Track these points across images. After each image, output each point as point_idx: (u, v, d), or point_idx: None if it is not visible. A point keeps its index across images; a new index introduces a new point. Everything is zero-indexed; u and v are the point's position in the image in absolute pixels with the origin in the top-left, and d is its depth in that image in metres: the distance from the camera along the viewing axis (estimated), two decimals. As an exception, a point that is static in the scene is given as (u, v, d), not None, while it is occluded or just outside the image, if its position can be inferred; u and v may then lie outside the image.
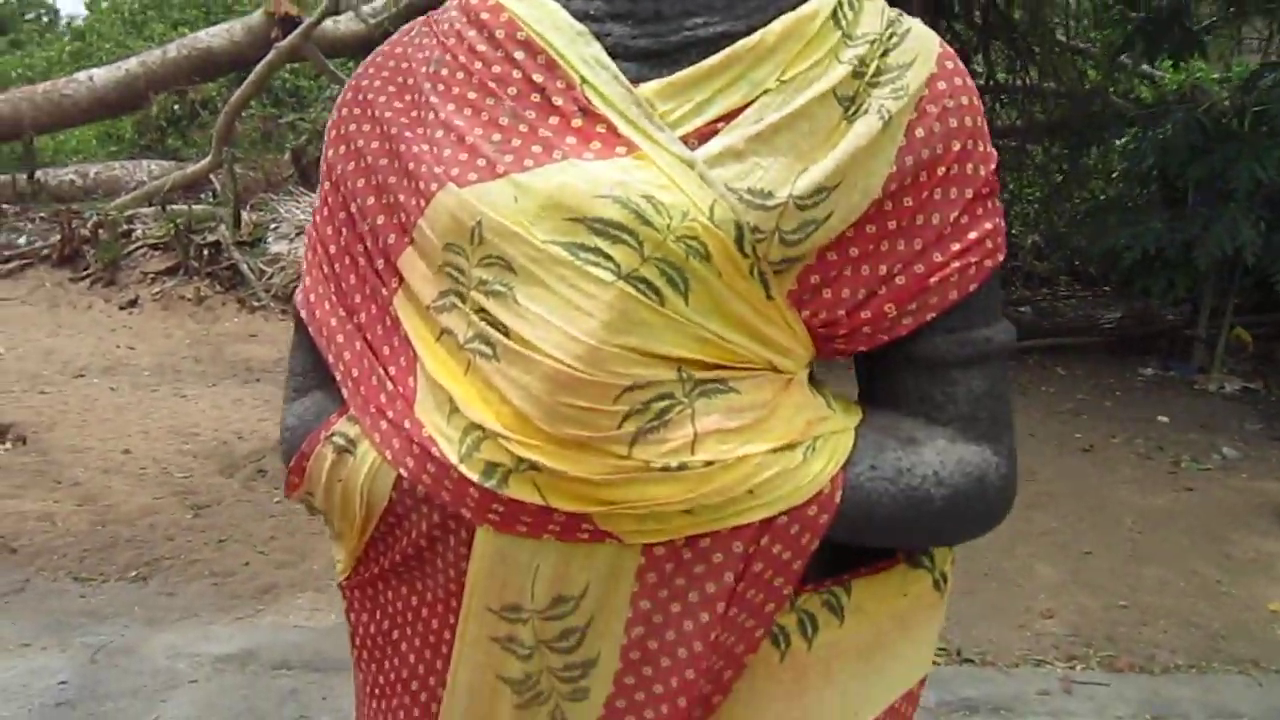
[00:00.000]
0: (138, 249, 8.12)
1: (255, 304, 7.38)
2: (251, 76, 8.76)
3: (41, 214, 8.82)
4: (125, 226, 8.25)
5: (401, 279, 0.87)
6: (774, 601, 0.85)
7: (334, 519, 0.94)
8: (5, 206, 9.06)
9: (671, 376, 0.79)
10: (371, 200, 0.88)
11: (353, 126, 0.92)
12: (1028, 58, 8.02)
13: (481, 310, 0.80)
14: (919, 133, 0.83)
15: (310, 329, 0.94)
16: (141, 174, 9.55)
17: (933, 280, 0.84)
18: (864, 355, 0.92)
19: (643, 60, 0.83)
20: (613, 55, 0.83)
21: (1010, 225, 7.26)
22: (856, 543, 0.88)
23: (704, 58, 0.82)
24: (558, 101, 0.82)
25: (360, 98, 0.93)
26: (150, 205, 8.47)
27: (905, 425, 0.89)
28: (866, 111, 0.81)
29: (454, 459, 0.80)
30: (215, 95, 10.19)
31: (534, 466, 0.78)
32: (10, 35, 19.70)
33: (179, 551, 3.72)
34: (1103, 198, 8.30)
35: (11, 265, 8.18)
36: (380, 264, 0.88)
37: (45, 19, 23.55)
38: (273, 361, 6.43)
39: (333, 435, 0.91)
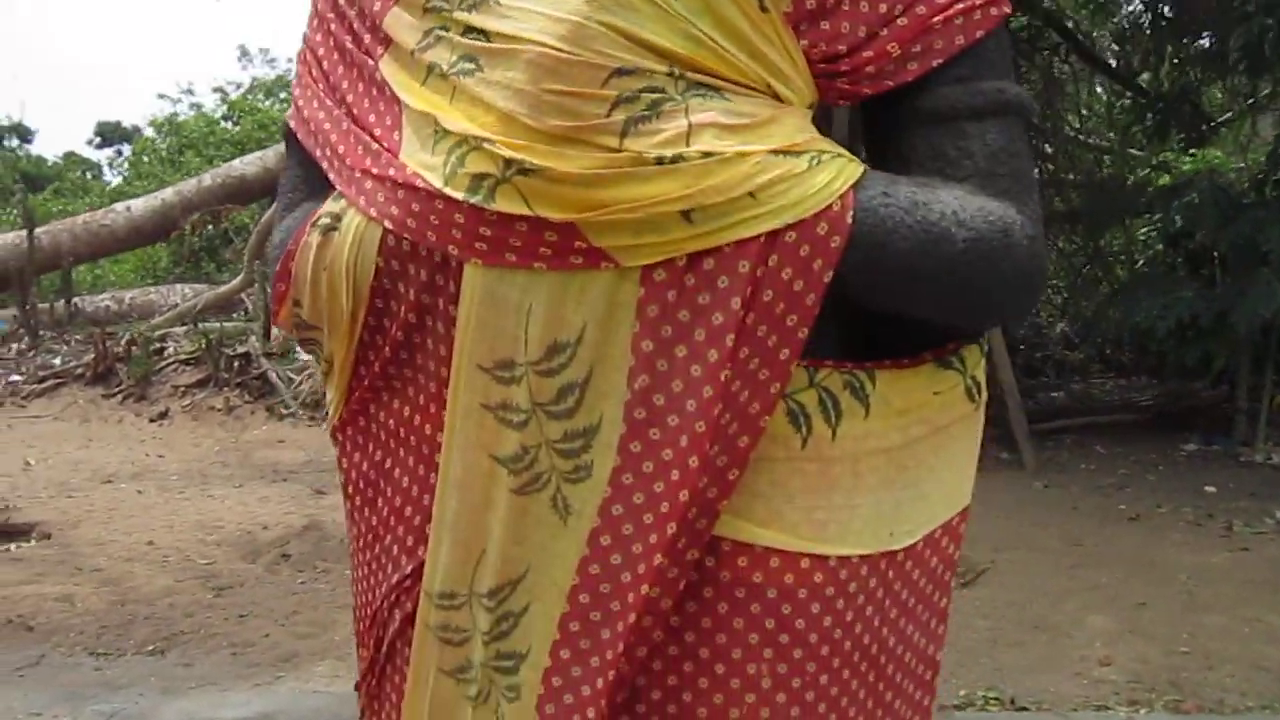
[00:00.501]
0: (169, 364, 8.23)
1: (284, 411, 7.42)
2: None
3: (77, 336, 9.01)
4: (158, 344, 8.39)
5: (388, 42, 0.84)
6: (788, 347, 0.77)
7: (322, 324, 0.89)
8: (43, 331, 9.26)
9: (662, 70, 0.75)
10: None
11: None
12: (1041, 149, 8.14)
13: (467, 29, 0.78)
14: None
15: (299, 134, 0.92)
16: (175, 297, 9.79)
17: (936, 21, 0.81)
18: (872, 117, 0.88)
19: None
20: None
21: (1038, 314, 7.26)
22: (874, 295, 0.81)
23: None
24: None
25: None
26: (183, 325, 8.64)
27: (918, 176, 0.84)
28: None
29: (439, 184, 0.76)
30: (248, 220, 10.49)
31: (521, 170, 0.73)
32: (54, 186, 20.54)
33: (198, 627, 3.62)
34: (1127, 277, 8.27)
35: (46, 384, 8.30)
36: (367, 38, 0.86)
37: (88, 174, 24.60)
38: (300, 464, 6.40)
39: (318, 219, 0.87)
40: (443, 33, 0.80)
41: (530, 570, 0.81)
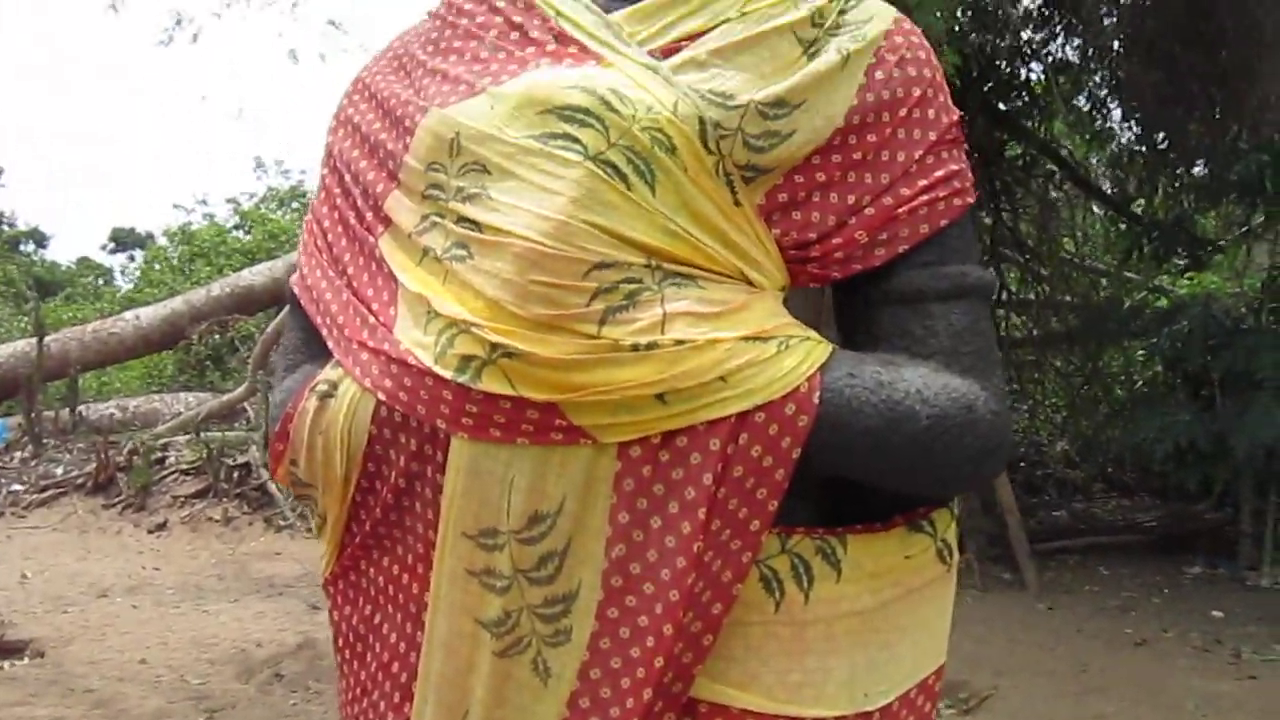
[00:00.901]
0: (170, 474, 8.22)
1: (282, 523, 7.38)
2: (283, 315, 9.13)
3: (80, 445, 9.01)
4: (159, 453, 8.39)
5: (388, 222, 0.90)
6: (758, 519, 0.81)
7: (317, 483, 0.93)
8: (46, 440, 9.27)
9: (640, 262, 0.80)
10: (363, 162, 0.94)
11: (351, 110, 0.99)
12: (1038, 272, 8.28)
13: (460, 218, 0.83)
14: (878, 75, 0.87)
15: (302, 300, 0.97)
16: (179, 406, 9.83)
17: (902, 212, 0.86)
18: (843, 301, 0.93)
19: None
20: None
21: (1037, 432, 7.29)
22: (842, 469, 0.85)
23: None
24: (534, 34, 0.89)
25: (360, 85, 1.00)
26: (185, 434, 8.66)
27: (884, 355, 0.88)
28: (825, 51, 0.87)
29: (429, 362, 0.81)
30: (254, 329, 10.60)
31: (507, 354, 0.78)
32: (66, 292, 20.79)
33: (189, 751, 3.56)
34: (1126, 400, 8.30)
35: (46, 494, 8.27)
36: (369, 216, 0.92)
37: (100, 280, 24.89)
38: (296, 577, 6.35)
39: (316, 385, 0.92)
40: (438, 219, 0.86)
41: None
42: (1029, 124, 7.51)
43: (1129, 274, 8.52)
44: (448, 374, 0.80)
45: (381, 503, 0.89)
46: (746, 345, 0.80)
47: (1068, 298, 8.29)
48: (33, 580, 6.37)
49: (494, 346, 0.79)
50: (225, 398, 9.27)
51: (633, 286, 0.79)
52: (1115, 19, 6.62)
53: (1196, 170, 7.37)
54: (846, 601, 0.86)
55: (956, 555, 0.93)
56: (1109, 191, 8.51)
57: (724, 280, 0.83)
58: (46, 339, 9.91)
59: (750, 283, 0.84)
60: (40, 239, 29.59)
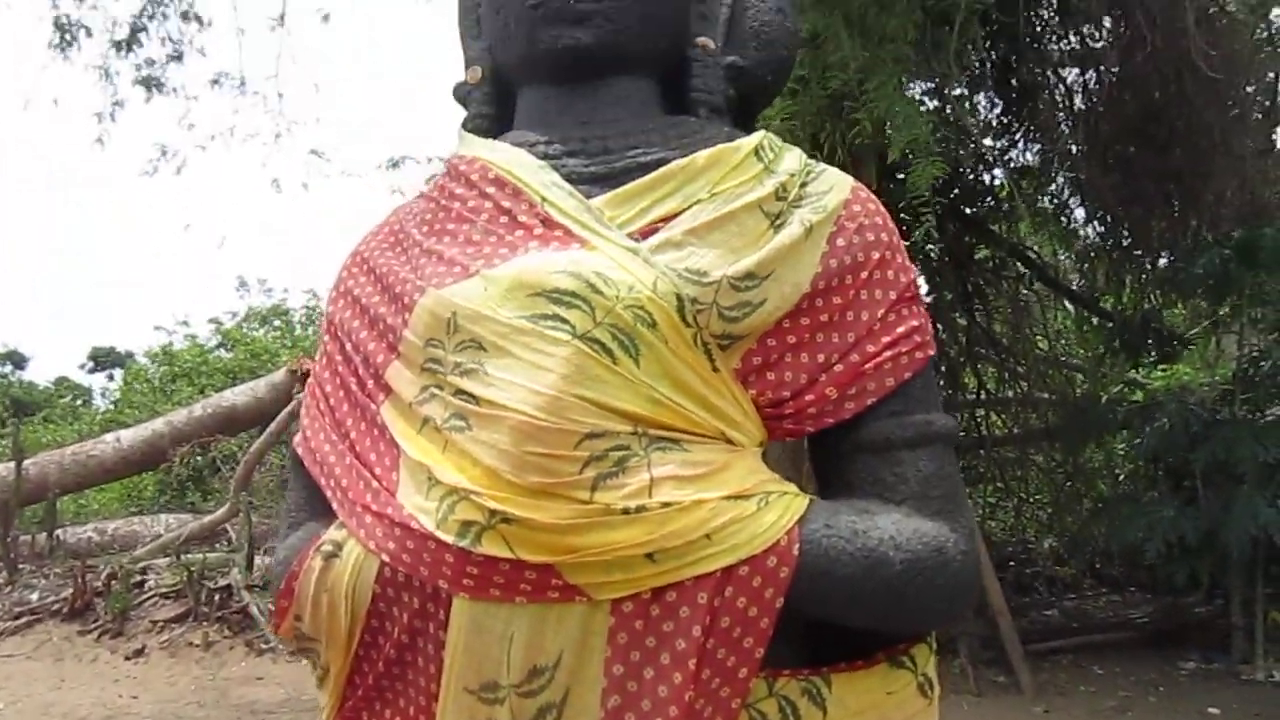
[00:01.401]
0: (149, 598, 8.07)
1: (264, 646, 7.23)
2: (271, 426, 9.12)
3: (56, 569, 8.86)
4: (138, 577, 8.25)
5: (389, 391, 0.95)
6: (746, 666, 0.85)
7: (321, 637, 0.96)
8: (22, 565, 9.11)
9: (628, 430, 0.85)
10: (364, 333, 0.99)
11: (351, 282, 1.04)
12: (1015, 370, 8.38)
13: (458, 391, 0.88)
14: (840, 242, 0.94)
15: (305, 461, 1.01)
16: (159, 527, 9.69)
17: (868, 368, 0.93)
18: (818, 450, 0.98)
19: (593, 183, 0.98)
20: (569, 181, 0.97)
21: (1023, 529, 7.31)
22: (823, 613, 0.89)
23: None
24: (522, 219, 0.95)
25: (359, 259, 1.06)
26: (165, 556, 8.53)
27: (858, 502, 0.94)
28: (790, 224, 0.93)
29: (431, 527, 0.85)
30: (236, 449, 10.54)
31: (505, 519, 0.83)
32: (44, 413, 20.64)
33: None
34: (1110, 495, 8.33)
35: (21, 621, 8.09)
36: (370, 384, 0.97)
37: (79, 401, 24.76)
38: (278, 702, 6.21)
39: (321, 545, 0.96)
40: (437, 391, 0.91)
41: None
42: (996, 228, 7.71)
43: (1103, 370, 8.64)
44: (449, 538, 0.84)
45: (384, 658, 0.92)
46: (729, 504, 0.85)
47: (1046, 394, 8.39)
48: (5, 712, 6.21)
49: (492, 513, 0.83)
50: (207, 519, 9.17)
51: (621, 453, 0.85)
52: (1071, 124, 6.87)
53: (1161, 263, 7.55)
54: None
55: (937, 689, 0.97)
56: (1077, 289, 8.69)
57: (706, 441, 0.88)
58: (25, 462, 9.81)
59: (731, 442, 0.89)
60: (19, 360, 29.57)
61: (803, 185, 0.96)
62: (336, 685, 0.97)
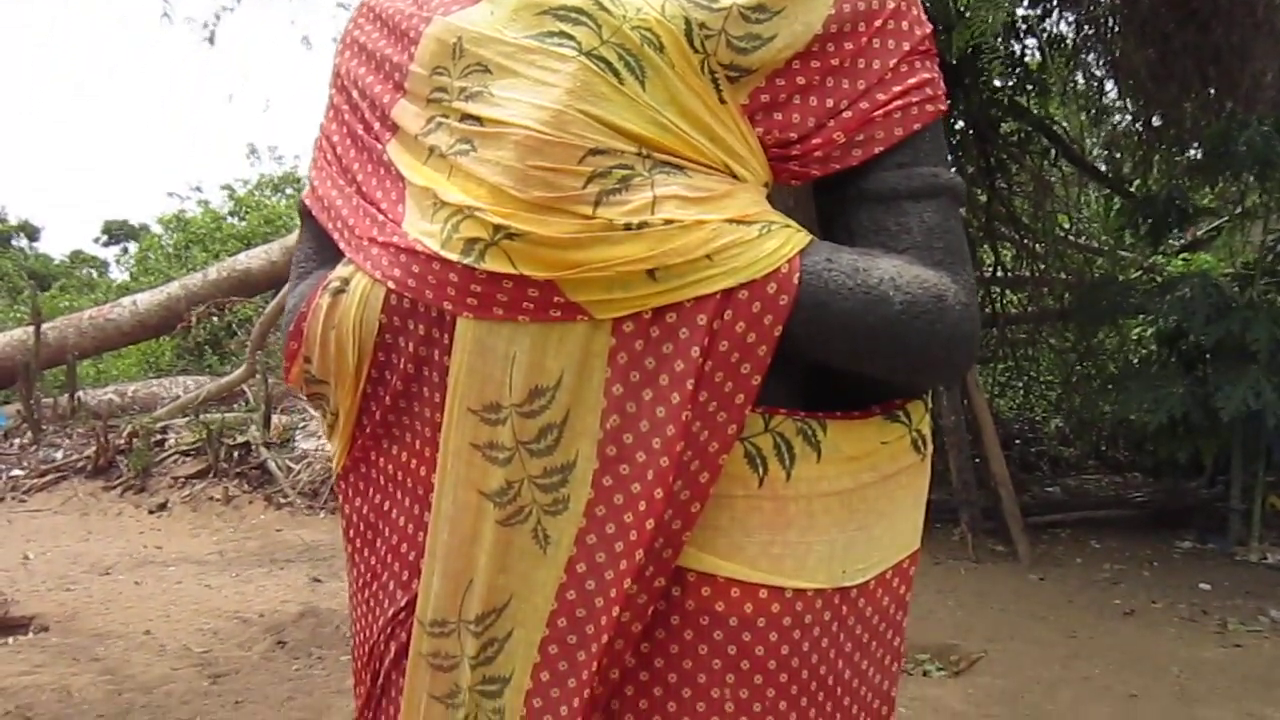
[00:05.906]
0: (169, 456, 8.26)
1: (282, 500, 7.42)
2: (286, 288, 9.16)
3: (79, 429, 9.05)
4: (158, 436, 8.43)
5: (395, 129, 0.96)
6: (743, 393, 0.86)
7: (330, 379, 0.98)
8: (45, 426, 9.31)
9: (632, 150, 0.86)
10: (370, 77, 0.99)
11: (358, 32, 1.04)
12: (1033, 249, 8.29)
13: (464, 116, 0.89)
14: None
15: (313, 210, 1.03)
16: (178, 390, 9.84)
17: (877, 115, 0.92)
18: (822, 198, 0.98)
19: None
20: None
21: (1031, 409, 7.28)
22: (820, 352, 0.90)
23: None
24: None
25: (366, 8, 1.06)
26: (184, 416, 8.69)
27: (861, 248, 0.94)
28: None
29: (436, 247, 0.87)
30: (252, 313, 10.62)
31: (509, 235, 0.84)
32: (60, 284, 20.73)
33: (195, 714, 3.61)
34: (1119, 373, 8.33)
35: (47, 479, 8.31)
36: (377, 125, 0.98)
37: (94, 273, 24.80)
38: (297, 551, 6.40)
39: (329, 283, 0.97)
40: (443, 119, 0.91)
41: (514, 598, 0.89)
42: (1024, 101, 7.52)
43: (1123, 252, 8.55)
44: (454, 257, 0.86)
45: (391, 391, 0.94)
46: (731, 227, 0.85)
47: (1063, 275, 8.31)
48: (35, 561, 6.42)
49: (497, 228, 0.84)
50: (224, 380, 9.30)
51: (625, 172, 0.85)
52: (1109, -4, 6.65)
53: (1192, 152, 7.39)
54: (826, 482, 0.91)
55: (930, 447, 0.99)
56: (1104, 170, 8.54)
57: (710, 171, 0.88)
58: (43, 327, 9.93)
59: (735, 175, 0.89)
60: (32, 233, 29.51)
61: None
62: (346, 427, 0.99)
